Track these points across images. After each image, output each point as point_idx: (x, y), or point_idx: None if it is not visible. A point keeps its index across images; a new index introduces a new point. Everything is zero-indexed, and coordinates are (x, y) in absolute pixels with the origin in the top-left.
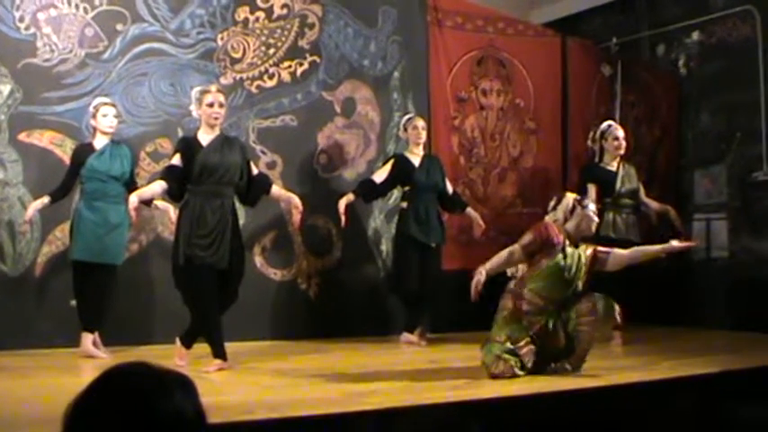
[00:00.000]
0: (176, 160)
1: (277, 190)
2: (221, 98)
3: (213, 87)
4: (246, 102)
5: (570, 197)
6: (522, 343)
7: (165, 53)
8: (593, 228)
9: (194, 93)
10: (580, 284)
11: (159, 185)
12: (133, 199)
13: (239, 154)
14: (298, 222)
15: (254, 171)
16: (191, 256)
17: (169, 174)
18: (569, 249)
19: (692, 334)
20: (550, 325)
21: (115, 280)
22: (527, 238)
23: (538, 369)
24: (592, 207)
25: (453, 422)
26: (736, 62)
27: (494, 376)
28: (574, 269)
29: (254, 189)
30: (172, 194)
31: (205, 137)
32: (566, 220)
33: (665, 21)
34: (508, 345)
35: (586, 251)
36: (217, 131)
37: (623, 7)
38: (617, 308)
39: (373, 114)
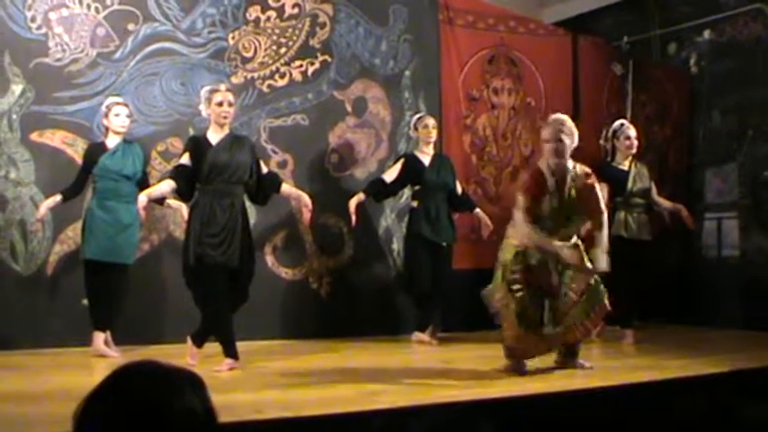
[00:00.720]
0: (185, 159)
1: (287, 188)
2: (230, 97)
3: (222, 86)
4: (258, 101)
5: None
6: (518, 267)
7: (176, 53)
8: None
9: (203, 92)
10: (575, 217)
11: (168, 184)
12: (142, 198)
13: (248, 153)
14: (308, 221)
15: (264, 170)
16: (201, 256)
17: (178, 173)
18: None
19: (703, 333)
20: (543, 259)
21: (127, 279)
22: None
23: (531, 301)
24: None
25: (465, 421)
26: (747, 61)
27: (494, 312)
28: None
29: (264, 187)
30: (181, 193)
31: (214, 136)
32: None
33: (677, 20)
34: (510, 271)
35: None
36: (226, 130)
37: (634, 6)
38: (605, 297)
39: (384, 113)
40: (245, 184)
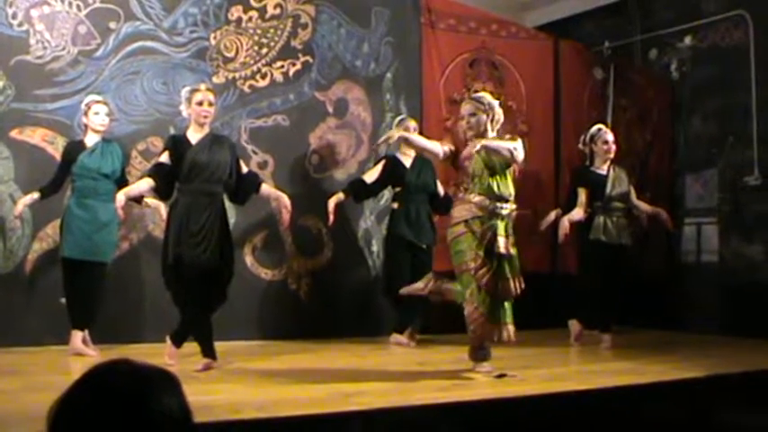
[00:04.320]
0: (164, 158)
1: (266, 189)
2: (211, 97)
3: (203, 86)
4: (239, 101)
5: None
6: None
7: (157, 52)
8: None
9: (184, 92)
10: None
11: (146, 183)
12: (120, 197)
13: (228, 152)
14: (286, 222)
15: (244, 170)
16: (180, 256)
17: (157, 171)
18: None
19: (682, 337)
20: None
21: (105, 278)
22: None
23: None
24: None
25: (439, 424)
26: (728, 67)
27: None
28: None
29: (244, 187)
30: (159, 192)
31: (194, 135)
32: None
33: (658, 25)
34: None
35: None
36: (206, 130)
37: (616, 11)
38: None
39: (365, 115)
40: (225, 184)
